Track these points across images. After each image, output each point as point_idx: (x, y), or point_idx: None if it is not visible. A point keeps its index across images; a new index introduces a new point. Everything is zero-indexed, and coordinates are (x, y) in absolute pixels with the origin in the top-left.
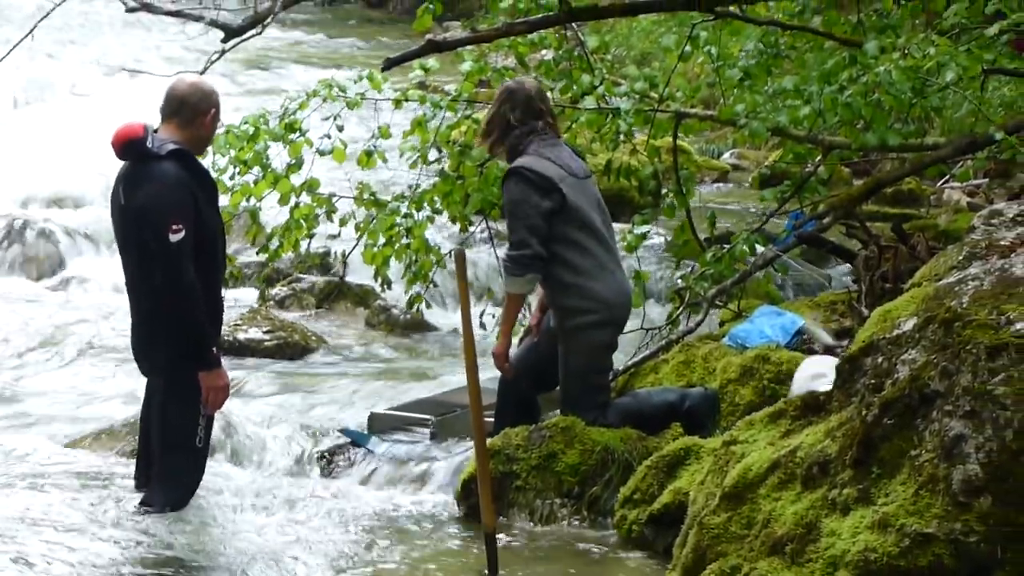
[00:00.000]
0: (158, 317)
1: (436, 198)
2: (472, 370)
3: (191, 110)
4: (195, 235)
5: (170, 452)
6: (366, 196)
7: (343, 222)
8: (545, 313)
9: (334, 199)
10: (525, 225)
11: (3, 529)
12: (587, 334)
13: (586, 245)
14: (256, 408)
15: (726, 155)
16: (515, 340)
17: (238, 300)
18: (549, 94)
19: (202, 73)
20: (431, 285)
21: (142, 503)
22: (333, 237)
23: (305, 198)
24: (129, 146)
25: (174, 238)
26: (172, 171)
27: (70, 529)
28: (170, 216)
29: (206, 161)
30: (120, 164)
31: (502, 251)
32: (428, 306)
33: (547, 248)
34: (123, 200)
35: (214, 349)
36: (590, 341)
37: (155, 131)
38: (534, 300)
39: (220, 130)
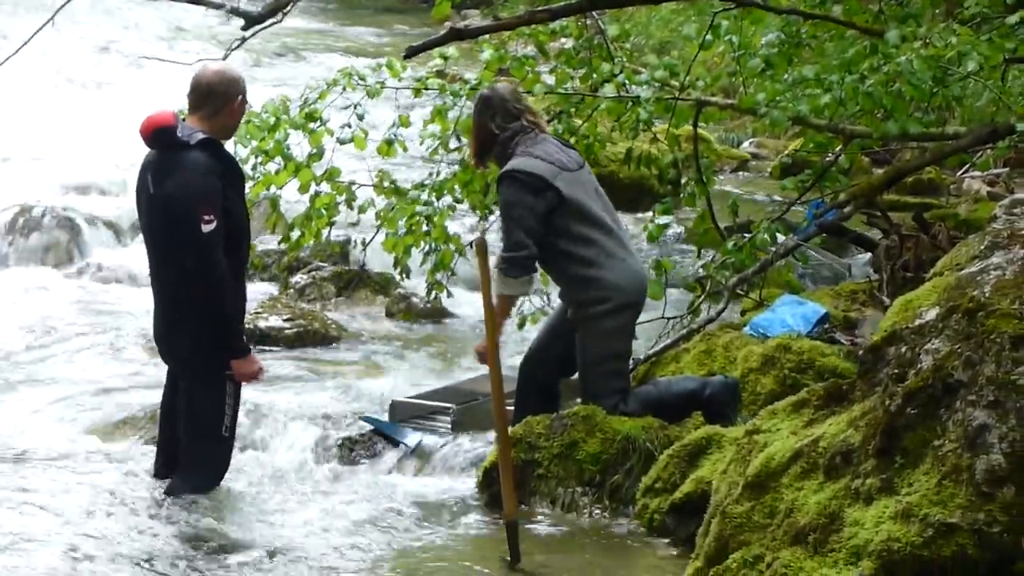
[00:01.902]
0: (183, 305)
1: (456, 187)
2: (493, 358)
3: (219, 99)
4: (224, 225)
5: (197, 441)
6: (386, 184)
7: (363, 210)
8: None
9: (354, 187)
10: (520, 227)
11: (24, 516)
12: (602, 322)
13: (590, 236)
14: (277, 396)
15: (746, 144)
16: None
17: (258, 289)
18: (569, 83)
19: (224, 59)
20: (451, 273)
21: (167, 491)
22: (353, 225)
23: (325, 187)
24: (159, 134)
25: (206, 228)
26: (203, 160)
27: (92, 517)
28: (201, 206)
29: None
30: (146, 151)
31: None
32: (448, 295)
33: (547, 246)
34: (152, 188)
35: (244, 337)
36: (605, 329)
37: (183, 119)
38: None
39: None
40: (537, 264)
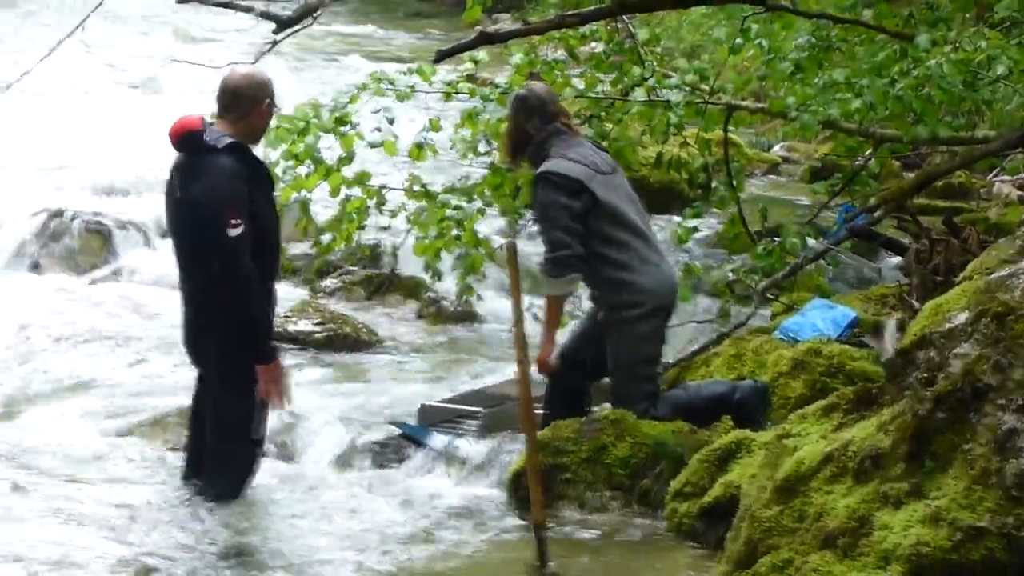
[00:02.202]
0: (210, 308)
1: (486, 190)
2: (523, 362)
3: (247, 102)
4: (251, 229)
5: (225, 444)
6: (416, 188)
7: (394, 214)
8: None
9: (384, 191)
10: (559, 227)
11: (55, 519)
12: (633, 326)
13: (623, 239)
14: (307, 400)
15: (776, 148)
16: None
17: (289, 292)
18: (600, 87)
19: (255, 63)
20: (482, 277)
21: (197, 493)
22: (384, 229)
23: (356, 191)
24: (186, 138)
25: (232, 232)
26: (229, 165)
27: (122, 519)
28: (227, 210)
29: (257, 154)
30: (175, 155)
31: (540, 254)
32: (479, 298)
33: (584, 247)
34: (179, 192)
35: (272, 342)
36: (637, 333)
37: (211, 123)
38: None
39: (272, 123)
40: (581, 263)
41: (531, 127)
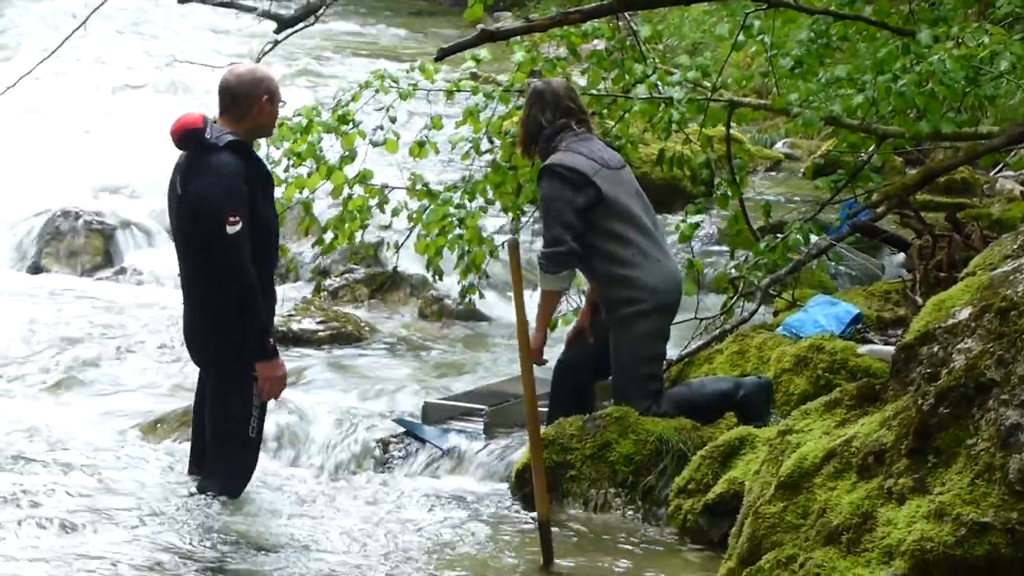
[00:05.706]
0: (211, 307)
1: (488, 188)
2: (526, 360)
3: (245, 100)
4: (251, 227)
5: (224, 442)
6: (419, 187)
7: (395, 212)
8: (595, 308)
9: (387, 190)
10: (560, 222)
11: (59, 517)
12: (636, 324)
13: (628, 235)
14: (310, 398)
15: (778, 144)
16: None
17: (291, 291)
18: (602, 84)
19: (257, 62)
20: (484, 275)
21: (197, 491)
22: (385, 228)
23: (358, 190)
24: (187, 136)
25: (231, 230)
26: (229, 163)
27: (125, 517)
28: (227, 208)
29: (259, 153)
30: (178, 154)
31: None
32: (481, 296)
33: (583, 243)
34: (180, 190)
35: (271, 340)
36: (639, 331)
37: (214, 122)
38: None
39: None
40: (577, 260)
41: (544, 120)
